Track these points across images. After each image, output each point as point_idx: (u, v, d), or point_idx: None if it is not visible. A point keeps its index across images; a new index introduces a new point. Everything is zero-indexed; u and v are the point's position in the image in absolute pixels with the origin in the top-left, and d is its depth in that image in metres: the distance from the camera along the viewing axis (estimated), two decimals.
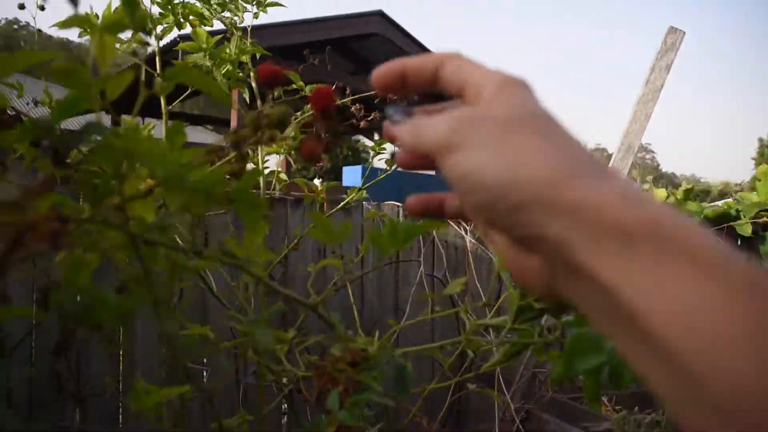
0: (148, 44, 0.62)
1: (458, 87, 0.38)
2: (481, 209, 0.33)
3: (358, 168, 6.37)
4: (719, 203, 3.85)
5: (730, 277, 0.27)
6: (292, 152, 1.41)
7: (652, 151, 74.80)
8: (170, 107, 1.33)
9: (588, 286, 0.31)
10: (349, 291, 1.29)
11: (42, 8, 1.58)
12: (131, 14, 0.53)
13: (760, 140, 43.85)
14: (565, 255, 0.30)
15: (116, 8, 0.62)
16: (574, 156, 0.32)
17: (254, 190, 1.86)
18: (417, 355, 1.20)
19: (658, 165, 72.08)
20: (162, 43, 1.57)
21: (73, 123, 0.51)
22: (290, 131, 0.52)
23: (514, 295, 0.81)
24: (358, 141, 22.38)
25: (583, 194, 0.30)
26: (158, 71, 1.36)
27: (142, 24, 0.55)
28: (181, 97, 1.42)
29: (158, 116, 1.44)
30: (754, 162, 43.77)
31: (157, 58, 1.38)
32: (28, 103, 1.60)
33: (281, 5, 1.52)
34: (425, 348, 0.79)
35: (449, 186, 0.36)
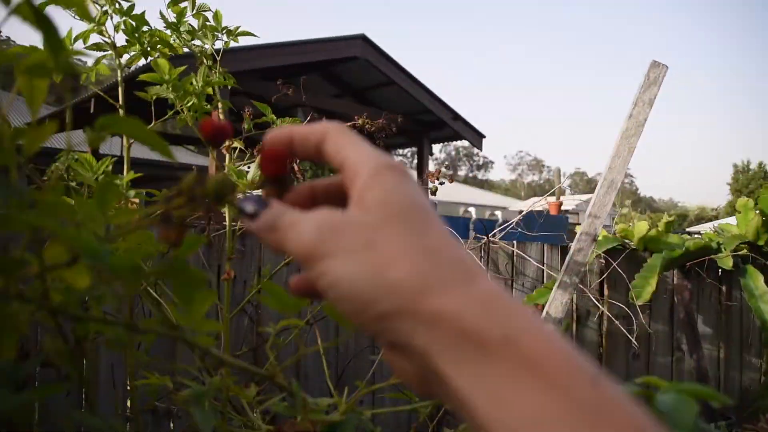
0: (76, 79, 0.53)
1: (338, 165, 0.37)
2: (351, 317, 0.33)
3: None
4: (700, 233, 3.82)
5: (574, 388, 0.27)
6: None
7: (631, 176, 75.71)
8: (151, 126, 1.26)
9: (452, 392, 0.30)
10: (317, 334, 1.21)
11: None
12: (54, 57, 0.47)
13: (735, 166, 44.59)
14: (429, 362, 0.31)
15: (41, 50, 0.54)
16: (442, 258, 0.32)
17: (224, 224, 1.78)
18: (394, 403, 1.13)
19: (637, 189, 72.90)
20: (131, 69, 1.51)
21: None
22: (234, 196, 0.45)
23: None
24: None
25: (444, 303, 0.30)
26: (120, 102, 1.30)
27: (68, 68, 0.48)
28: (164, 118, 1.35)
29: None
30: (729, 187, 44.47)
31: (120, 89, 1.31)
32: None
33: (252, 35, 1.46)
34: (400, 409, 0.72)
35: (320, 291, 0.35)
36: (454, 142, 11.68)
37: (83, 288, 0.49)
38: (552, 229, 3.45)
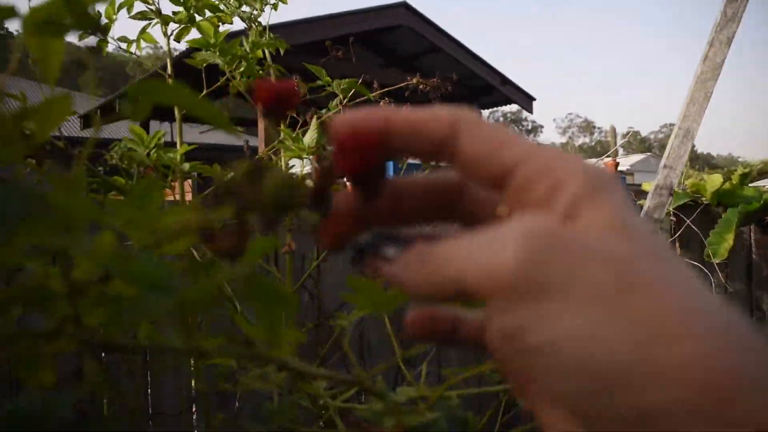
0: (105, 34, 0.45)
1: (495, 174, 0.24)
2: (574, 402, 0.21)
3: (388, 165, 6.19)
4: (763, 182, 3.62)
5: None
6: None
7: None
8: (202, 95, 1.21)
9: None
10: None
11: None
12: (72, 4, 0.36)
13: None
14: None
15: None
16: (734, 329, 0.20)
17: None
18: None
19: (693, 146, 70.51)
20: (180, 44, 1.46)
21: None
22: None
23: None
24: None
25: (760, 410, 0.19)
26: (169, 71, 1.25)
27: (89, 20, 0.38)
28: (215, 86, 1.29)
29: (172, 118, 1.32)
30: None
31: (168, 62, 1.26)
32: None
33: None
34: (492, 389, 0.63)
35: (491, 344, 0.22)
36: (502, 108, 11.44)
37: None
38: None
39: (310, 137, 1.02)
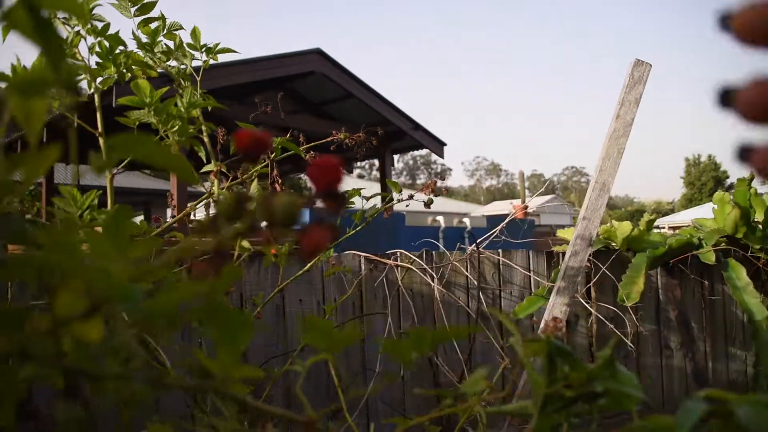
0: (79, 96, 0.44)
1: None
2: None
3: (306, 211, 6.12)
4: (659, 227, 3.84)
5: None
6: None
7: (587, 174, 77.08)
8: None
9: None
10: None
11: None
12: (56, 68, 0.38)
13: (687, 160, 45.85)
14: None
15: (36, 62, 0.45)
16: None
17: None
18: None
19: None
20: (98, 95, 1.40)
21: None
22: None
23: (539, 382, 0.69)
24: (300, 178, 22.21)
25: None
26: (99, 129, 1.20)
27: (71, 81, 0.39)
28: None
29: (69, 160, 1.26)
30: (682, 180, 45.67)
31: (98, 115, 1.21)
32: None
33: (233, 51, 1.38)
34: None
35: None
36: (412, 152, 11.67)
37: (96, 340, 0.40)
38: (517, 233, 3.41)
39: (254, 188, 1.00)
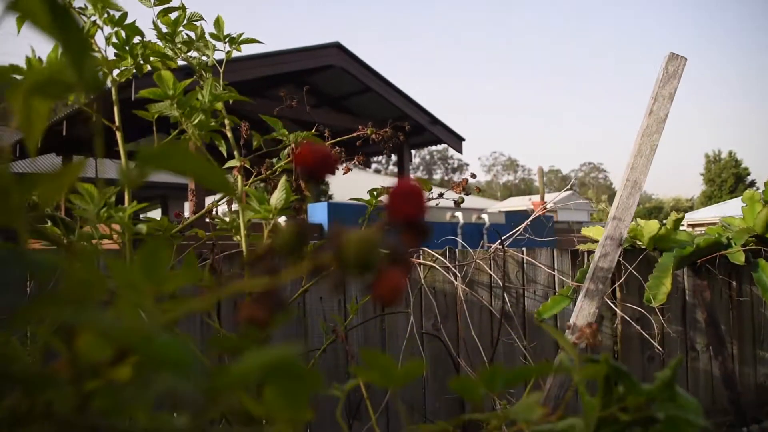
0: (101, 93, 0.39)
1: None
2: None
3: (324, 205, 6.11)
4: (702, 230, 3.75)
5: None
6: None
7: (605, 171, 76.47)
8: (131, 143, 1.12)
9: None
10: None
11: None
12: (79, 65, 0.33)
13: (707, 156, 45.27)
14: None
15: (52, 57, 0.39)
16: None
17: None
18: None
19: (611, 184, 73.61)
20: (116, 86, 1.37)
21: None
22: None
23: (591, 405, 0.63)
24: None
25: None
26: (117, 123, 1.16)
27: (95, 80, 0.34)
28: (168, 138, 1.20)
29: (115, 155, 1.23)
30: (702, 177, 45.11)
31: (115, 109, 1.17)
32: None
33: (257, 41, 1.33)
34: None
35: None
36: (429, 147, 11.59)
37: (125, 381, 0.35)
38: (539, 230, 3.34)
39: (277, 198, 0.95)
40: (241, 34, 1.25)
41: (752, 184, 42.57)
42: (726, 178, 43.43)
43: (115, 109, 1.12)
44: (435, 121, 10.04)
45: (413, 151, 12.10)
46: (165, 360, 0.24)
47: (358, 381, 0.62)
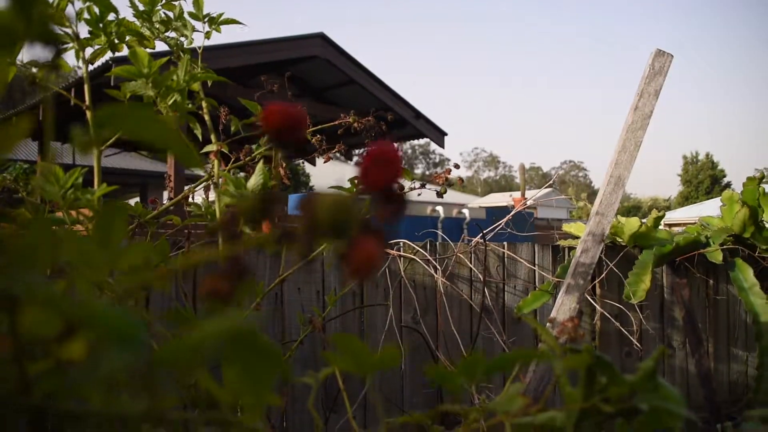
0: (58, 54, 0.35)
1: None
2: None
3: (295, 196, 6.04)
4: (680, 230, 3.78)
5: None
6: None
7: (585, 169, 77.06)
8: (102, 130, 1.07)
9: None
10: None
11: None
12: (25, 14, 0.30)
13: (684, 157, 45.84)
14: None
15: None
16: None
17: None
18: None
19: (591, 182, 74.21)
20: (92, 67, 1.32)
21: None
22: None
23: (573, 396, 0.62)
24: (298, 164, 22.08)
25: None
26: (87, 103, 1.11)
27: (44, 32, 0.31)
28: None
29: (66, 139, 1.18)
30: (680, 178, 45.68)
31: (86, 87, 1.13)
32: None
33: (238, 23, 1.29)
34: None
35: None
36: (411, 141, 11.56)
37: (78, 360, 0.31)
38: (520, 226, 3.34)
39: (254, 183, 0.92)
40: (221, 14, 1.21)
41: (728, 185, 43.15)
42: (703, 179, 44.03)
43: (86, 87, 1.07)
44: (419, 115, 10.02)
45: (396, 145, 12.04)
46: (110, 333, 0.20)
47: (333, 369, 0.59)
